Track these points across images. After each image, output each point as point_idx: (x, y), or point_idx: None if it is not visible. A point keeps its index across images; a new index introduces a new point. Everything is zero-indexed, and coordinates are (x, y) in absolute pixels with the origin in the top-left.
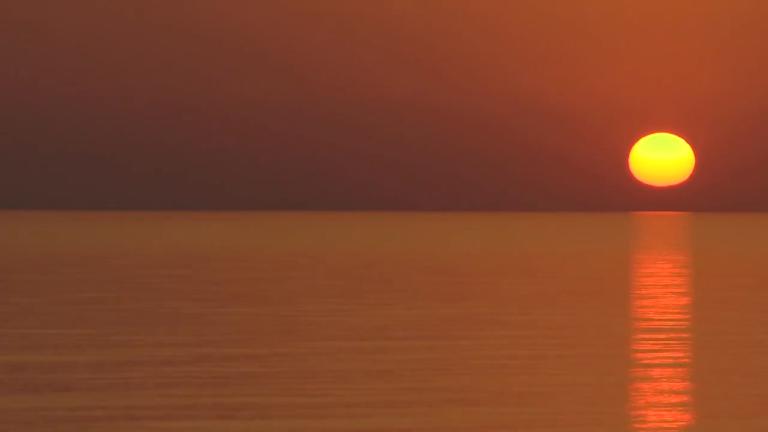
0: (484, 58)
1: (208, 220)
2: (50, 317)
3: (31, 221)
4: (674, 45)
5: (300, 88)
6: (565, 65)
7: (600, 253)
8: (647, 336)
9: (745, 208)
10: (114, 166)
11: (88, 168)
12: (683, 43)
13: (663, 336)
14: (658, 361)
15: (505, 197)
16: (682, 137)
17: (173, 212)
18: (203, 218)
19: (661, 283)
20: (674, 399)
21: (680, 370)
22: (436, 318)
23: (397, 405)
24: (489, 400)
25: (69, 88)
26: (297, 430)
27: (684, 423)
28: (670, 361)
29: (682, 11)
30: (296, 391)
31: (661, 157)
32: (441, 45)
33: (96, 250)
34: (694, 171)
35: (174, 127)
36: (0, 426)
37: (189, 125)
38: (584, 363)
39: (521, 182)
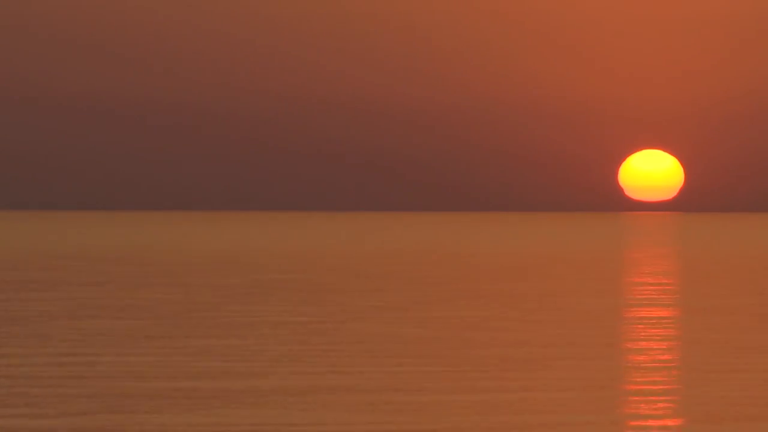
0: (480, 62)
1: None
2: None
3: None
4: (652, 56)
5: (303, 86)
6: (549, 80)
7: (589, 254)
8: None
9: (735, 208)
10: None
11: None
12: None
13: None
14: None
15: (502, 198)
16: (670, 152)
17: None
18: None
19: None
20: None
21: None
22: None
23: None
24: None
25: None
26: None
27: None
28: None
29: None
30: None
31: (651, 175)
32: (439, 46)
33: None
34: (684, 185)
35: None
36: None
37: (192, 126)
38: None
39: (518, 183)
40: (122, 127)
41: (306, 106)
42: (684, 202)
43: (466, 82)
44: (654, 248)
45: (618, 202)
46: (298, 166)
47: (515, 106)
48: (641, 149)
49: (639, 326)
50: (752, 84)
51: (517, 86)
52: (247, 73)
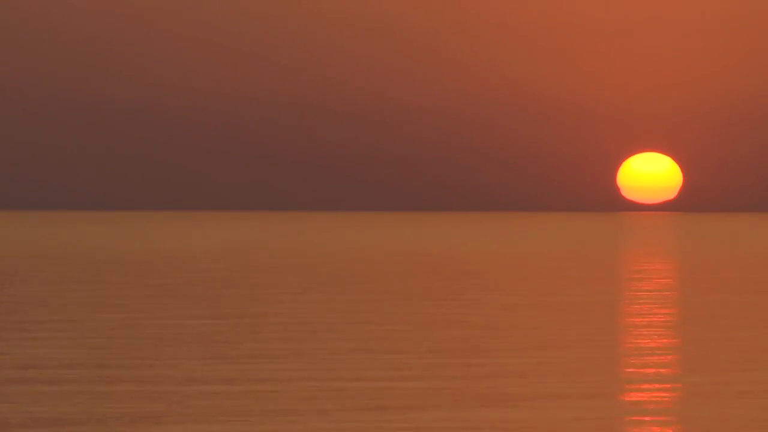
0: (480, 61)
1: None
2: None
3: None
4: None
5: (303, 87)
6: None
7: (586, 255)
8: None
9: (732, 209)
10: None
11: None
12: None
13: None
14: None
15: (503, 198)
16: (669, 155)
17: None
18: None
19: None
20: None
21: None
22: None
23: None
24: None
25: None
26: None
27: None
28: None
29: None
30: None
31: (649, 177)
32: (438, 46)
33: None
34: (682, 186)
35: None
36: None
37: (198, 125)
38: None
39: (519, 185)
40: (106, 132)
41: (304, 109)
42: (683, 203)
43: (470, 85)
44: (650, 247)
45: (617, 203)
46: (295, 168)
47: (516, 109)
48: (640, 152)
49: (633, 320)
50: (751, 86)
51: (518, 90)
52: (230, 77)
